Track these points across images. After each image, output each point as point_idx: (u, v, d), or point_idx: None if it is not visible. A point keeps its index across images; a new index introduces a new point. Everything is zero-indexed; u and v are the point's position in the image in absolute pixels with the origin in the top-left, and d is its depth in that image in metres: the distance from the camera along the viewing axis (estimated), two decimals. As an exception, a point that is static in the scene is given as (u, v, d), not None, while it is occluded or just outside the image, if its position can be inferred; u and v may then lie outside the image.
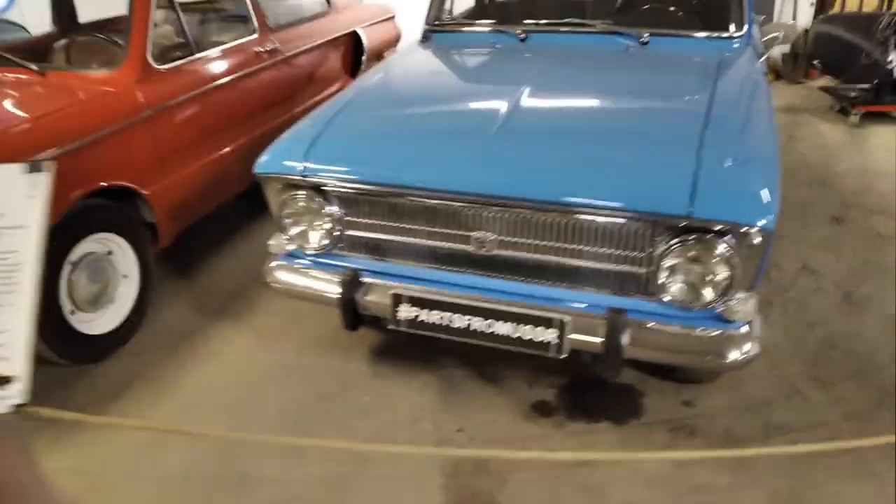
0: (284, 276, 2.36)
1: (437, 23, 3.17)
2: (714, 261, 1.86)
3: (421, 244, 2.17)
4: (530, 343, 2.04)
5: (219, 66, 3.30)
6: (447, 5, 3.22)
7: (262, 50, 3.61)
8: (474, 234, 2.07)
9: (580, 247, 1.99)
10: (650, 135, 2.15)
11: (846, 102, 5.41)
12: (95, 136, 2.64)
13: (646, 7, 3.23)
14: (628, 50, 2.77)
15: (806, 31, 6.24)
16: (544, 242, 2.03)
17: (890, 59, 5.11)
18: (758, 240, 1.82)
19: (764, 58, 2.92)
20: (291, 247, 2.33)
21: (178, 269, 3.43)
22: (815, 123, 5.44)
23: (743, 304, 1.94)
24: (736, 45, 2.77)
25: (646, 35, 2.77)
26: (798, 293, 3.12)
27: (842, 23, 5.86)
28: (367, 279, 2.23)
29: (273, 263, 2.39)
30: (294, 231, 2.28)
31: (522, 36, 2.94)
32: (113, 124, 2.72)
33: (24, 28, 4.95)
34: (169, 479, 2.19)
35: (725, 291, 1.89)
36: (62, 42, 3.41)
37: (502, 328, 2.06)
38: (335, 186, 2.16)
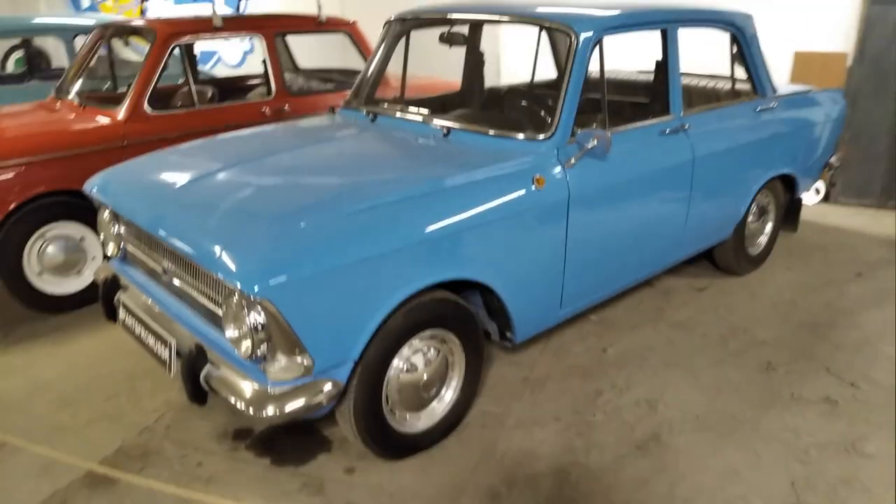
0: (100, 271, 3.06)
1: (352, 99, 3.62)
2: (238, 317, 2.09)
3: (146, 263, 2.70)
4: (161, 359, 2.45)
5: (210, 118, 4.20)
6: (363, 89, 3.63)
7: (267, 110, 4.45)
8: (163, 261, 2.55)
9: (198, 284, 2.35)
10: (272, 205, 2.36)
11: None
12: (74, 152, 3.72)
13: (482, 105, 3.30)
14: (428, 140, 2.93)
15: None
16: (183, 275, 2.43)
17: None
18: (269, 306, 2.00)
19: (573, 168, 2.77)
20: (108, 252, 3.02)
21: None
22: (913, 267, 4.44)
23: (283, 367, 2.12)
24: (543, 150, 2.72)
25: (444, 129, 2.93)
26: (606, 420, 2.86)
27: None
28: (129, 284, 2.82)
29: (102, 263, 3.13)
30: (102, 239, 2.98)
31: (372, 118, 3.27)
32: (92, 147, 3.77)
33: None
34: None
35: (255, 348, 2.08)
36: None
37: (151, 342, 2.51)
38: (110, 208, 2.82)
